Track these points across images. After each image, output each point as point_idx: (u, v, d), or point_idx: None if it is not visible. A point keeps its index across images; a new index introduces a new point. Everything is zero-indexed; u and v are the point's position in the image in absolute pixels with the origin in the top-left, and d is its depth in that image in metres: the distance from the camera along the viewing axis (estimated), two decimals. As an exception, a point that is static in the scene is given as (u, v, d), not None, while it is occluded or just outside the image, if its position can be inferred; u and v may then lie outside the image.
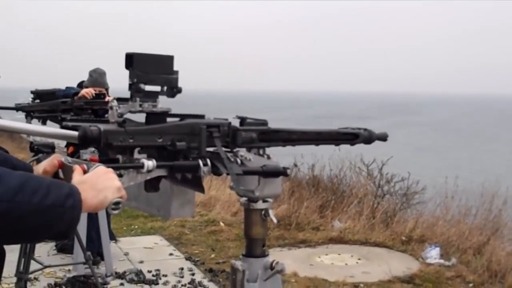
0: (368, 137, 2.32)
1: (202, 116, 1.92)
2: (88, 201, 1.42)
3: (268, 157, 2.07)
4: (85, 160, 1.69)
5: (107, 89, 5.85)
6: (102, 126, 1.68)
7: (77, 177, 1.50)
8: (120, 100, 1.76)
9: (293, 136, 2.14)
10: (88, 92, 5.37)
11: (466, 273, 6.10)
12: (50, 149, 3.83)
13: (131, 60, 1.72)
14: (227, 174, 1.85)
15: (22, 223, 1.28)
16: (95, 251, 5.64)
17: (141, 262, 6.28)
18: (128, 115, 1.75)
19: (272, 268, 2.07)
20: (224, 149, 1.89)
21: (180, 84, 1.81)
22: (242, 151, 1.95)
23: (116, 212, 1.51)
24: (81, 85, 5.98)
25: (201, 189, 1.86)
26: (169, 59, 1.79)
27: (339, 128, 2.31)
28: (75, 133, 1.69)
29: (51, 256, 6.22)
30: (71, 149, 5.81)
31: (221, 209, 8.77)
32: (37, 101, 5.22)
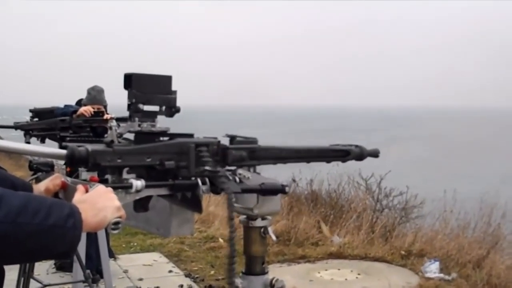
0: (359, 154, 2.33)
1: (191, 135, 1.94)
2: (88, 221, 1.43)
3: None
4: (85, 180, 1.71)
5: (105, 107, 5.87)
6: (90, 146, 1.69)
7: (79, 196, 1.53)
8: (119, 120, 1.78)
9: (284, 154, 2.15)
10: (87, 110, 5.39)
11: (466, 287, 6.09)
12: (49, 168, 3.85)
13: (130, 81, 1.75)
14: (226, 193, 1.86)
15: (24, 244, 1.30)
16: (94, 269, 5.63)
17: (141, 279, 6.28)
18: (127, 135, 1.78)
19: (272, 285, 2.08)
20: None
21: (178, 103, 1.84)
22: (241, 170, 1.97)
23: (115, 232, 1.53)
24: (79, 103, 6.01)
25: (199, 209, 1.88)
26: (167, 79, 1.82)
27: (330, 145, 2.33)
28: (63, 152, 1.70)
29: (50, 274, 6.23)
30: (69, 168, 5.82)
31: (220, 225, 8.77)
32: (36, 119, 5.25)
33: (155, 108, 1.83)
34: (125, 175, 1.76)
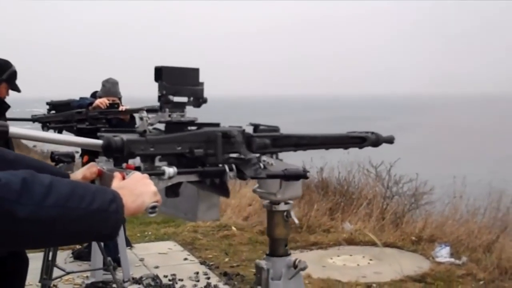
0: (375, 140, 2.44)
1: (217, 124, 2.04)
2: (128, 205, 1.53)
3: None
4: (121, 168, 1.81)
5: (120, 99, 5.98)
6: (125, 136, 1.80)
7: (117, 183, 1.63)
8: (149, 111, 1.88)
9: (304, 141, 2.26)
10: (102, 102, 5.50)
11: (477, 271, 6.18)
12: (70, 159, 3.96)
13: (160, 73, 1.85)
14: (252, 178, 1.97)
15: (73, 226, 1.40)
16: (111, 258, 5.76)
17: (157, 267, 6.40)
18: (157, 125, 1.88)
19: (295, 266, 2.19)
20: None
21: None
22: (265, 156, 2.08)
23: (153, 215, 1.63)
24: (94, 95, 6.12)
25: (226, 193, 1.98)
26: (195, 72, 1.92)
27: (348, 132, 2.43)
28: (99, 142, 1.80)
29: (68, 263, 6.34)
30: (85, 158, 5.94)
31: (232, 214, 8.89)
32: (53, 112, 5.36)
33: (184, 99, 1.93)
34: (157, 163, 1.87)
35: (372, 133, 2.46)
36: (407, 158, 9.89)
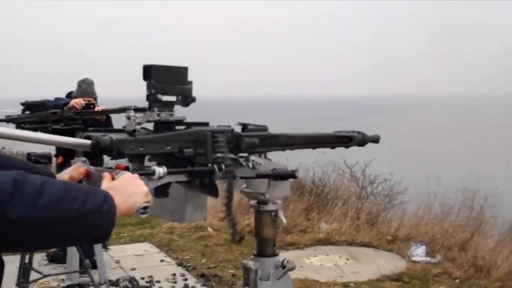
0: (361, 140, 2.44)
1: (206, 124, 2.02)
2: (120, 206, 1.49)
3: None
4: (110, 168, 1.78)
5: (95, 99, 5.90)
6: (114, 136, 1.76)
7: (107, 184, 1.59)
8: (137, 110, 1.85)
9: (291, 141, 2.24)
10: (78, 102, 5.42)
11: (452, 270, 6.26)
12: (47, 160, 3.90)
13: (149, 72, 1.81)
14: (241, 178, 1.95)
15: (65, 228, 1.36)
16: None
17: (133, 269, 6.35)
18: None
19: (283, 266, 2.18)
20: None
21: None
22: (253, 156, 2.06)
23: (144, 215, 1.60)
24: (69, 95, 6.04)
25: (215, 193, 1.96)
26: (183, 70, 1.89)
27: (334, 131, 2.42)
28: (88, 142, 1.76)
29: (42, 266, 6.25)
30: (60, 159, 5.86)
31: (208, 215, 8.84)
32: (27, 112, 5.27)
33: (172, 98, 1.90)
34: (146, 163, 1.84)
35: (358, 132, 2.46)
36: (381, 158, 9.95)
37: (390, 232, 7.78)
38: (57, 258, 6.38)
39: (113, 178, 1.65)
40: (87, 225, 1.41)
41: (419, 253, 6.80)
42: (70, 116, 5.22)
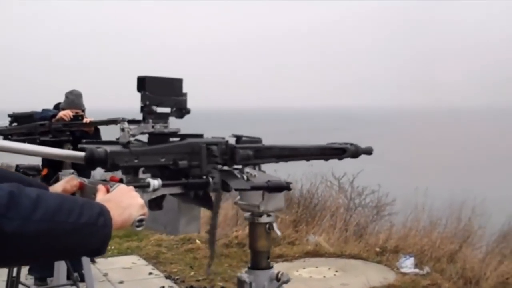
0: (355, 152, 2.43)
1: (201, 136, 2.01)
2: (115, 219, 1.47)
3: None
4: (104, 180, 1.76)
5: (83, 111, 5.87)
6: (108, 148, 1.74)
7: (101, 196, 1.57)
8: (131, 122, 1.83)
9: (286, 152, 2.24)
10: (66, 114, 5.39)
11: (441, 281, 6.26)
12: (36, 172, 3.87)
13: (143, 83, 1.80)
14: (236, 190, 1.94)
15: (61, 241, 1.34)
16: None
17: (121, 282, 6.30)
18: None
19: (278, 279, 2.16)
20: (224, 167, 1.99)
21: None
22: (248, 168, 2.05)
23: (140, 228, 1.58)
24: (57, 107, 6.00)
25: (210, 205, 1.95)
26: (178, 82, 1.88)
27: (328, 143, 2.42)
28: (82, 154, 1.75)
29: (29, 279, 6.17)
30: (45, 171, 5.81)
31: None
32: (15, 124, 5.23)
33: (167, 110, 1.89)
34: (140, 175, 1.82)
35: (351, 144, 2.45)
36: (368, 170, 9.96)
37: (379, 244, 7.78)
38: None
39: (108, 191, 1.63)
40: (83, 238, 1.39)
41: (407, 264, 6.80)
42: (59, 127, 5.19)
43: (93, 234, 1.41)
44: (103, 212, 1.45)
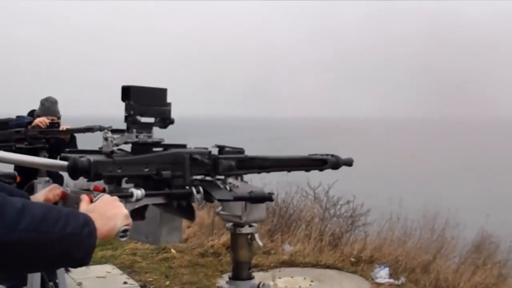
0: (335, 163, 2.45)
1: (184, 146, 2.00)
2: (100, 229, 1.47)
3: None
4: (88, 189, 1.74)
5: (59, 118, 5.81)
6: (92, 157, 1.73)
7: (85, 206, 1.56)
8: (114, 131, 1.82)
9: (268, 163, 2.24)
10: (42, 121, 5.34)
11: (416, 291, 6.31)
12: (12, 180, 3.81)
13: (128, 93, 1.79)
14: (218, 200, 1.94)
15: (46, 251, 1.34)
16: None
17: (96, 291, 6.23)
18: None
19: None
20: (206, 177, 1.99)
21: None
22: (230, 179, 2.05)
23: (124, 239, 1.57)
24: (32, 114, 5.93)
25: (192, 216, 1.94)
26: (162, 92, 1.88)
27: (309, 154, 2.43)
28: (64, 163, 1.73)
29: (2, 288, 6.08)
30: (18, 179, 5.72)
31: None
32: (-10, 131, 5.17)
33: (151, 119, 1.88)
34: (123, 185, 1.81)
35: (332, 155, 2.47)
36: (344, 179, 10.00)
37: (354, 254, 7.82)
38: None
39: (91, 200, 1.62)
40: (68, 248, 1.39)
41: (382, 275, 6.85)
42: (35, 135, 5.14)
43: (77, 244, 1.41)
44: (87, 223, 1.45)
